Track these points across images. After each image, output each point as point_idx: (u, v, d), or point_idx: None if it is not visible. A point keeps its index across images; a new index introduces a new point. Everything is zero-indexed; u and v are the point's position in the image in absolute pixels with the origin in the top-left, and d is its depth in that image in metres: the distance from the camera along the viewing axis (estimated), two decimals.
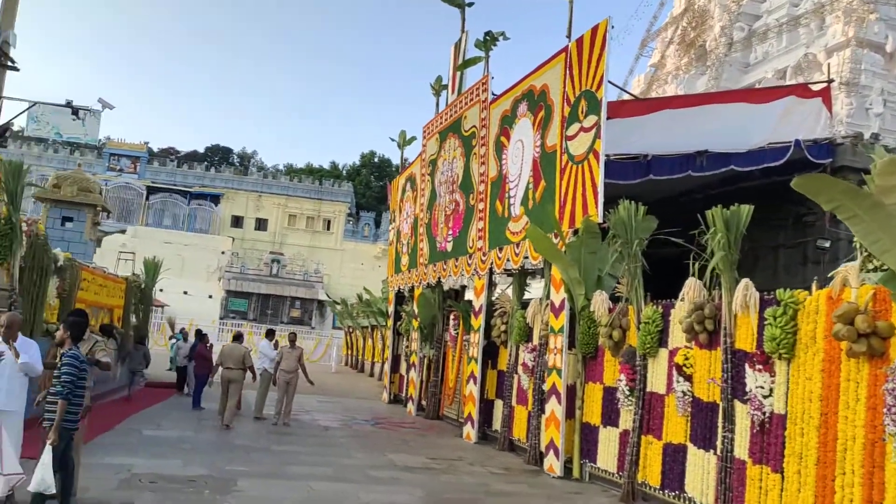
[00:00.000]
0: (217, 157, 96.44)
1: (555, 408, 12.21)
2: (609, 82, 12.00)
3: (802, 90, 15.20)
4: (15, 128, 78.99)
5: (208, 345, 18.27)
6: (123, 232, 65.27)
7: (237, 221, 72.08)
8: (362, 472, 10.81)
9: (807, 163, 13.85)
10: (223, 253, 67.17)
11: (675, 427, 9.58)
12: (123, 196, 69.17)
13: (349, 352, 42.17)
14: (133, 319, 20.61)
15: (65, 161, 69.96)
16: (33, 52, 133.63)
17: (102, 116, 74.12)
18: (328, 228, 73.12)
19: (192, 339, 20.30)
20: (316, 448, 12.76)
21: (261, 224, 72.53)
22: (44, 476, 6.13)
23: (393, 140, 24.54)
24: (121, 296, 18.91)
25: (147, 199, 69.57)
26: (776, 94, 15.04)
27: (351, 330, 41.74)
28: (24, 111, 18.41)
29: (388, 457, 12.48)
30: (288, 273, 67.49)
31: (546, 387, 12.60)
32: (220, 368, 15.21)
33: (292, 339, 16.05)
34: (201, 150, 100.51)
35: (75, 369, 6.58)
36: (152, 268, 22.68)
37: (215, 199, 71.56)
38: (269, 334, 17.00)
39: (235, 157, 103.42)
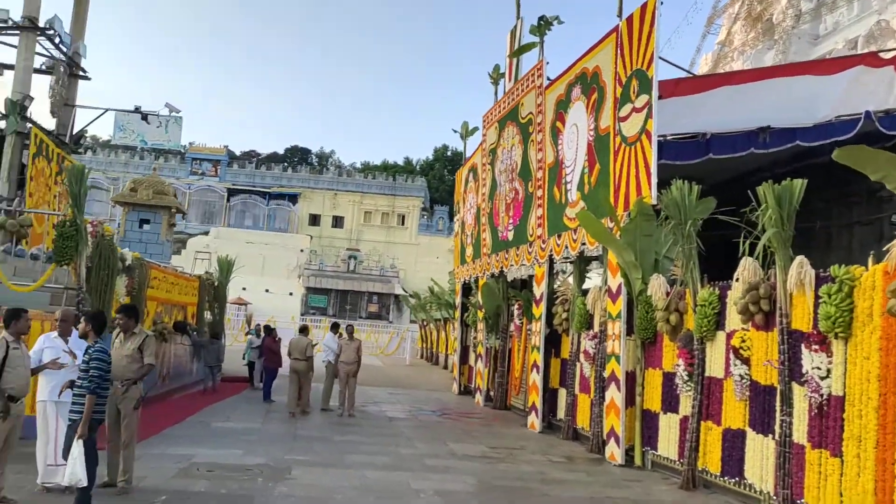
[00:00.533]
0: (296, 157, 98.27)
1: (614, 395, 12.01)
2: (661, 59, 11.68)
3: (872, 59, 14.43)
4: (104, 137, 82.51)
5: (277, 339, 18.67)
6: (206, 233, 67.41)
7: (314, 220, 73.48)
8: (419, 461, 10.88)
9: (879, 135, 13.16)
10: (302, 251, 68.62)
11: (734, 412, 9.29)
12: (206, 199, 71.43)
13: (424, 345, 42.46)
14: (208, 316, 21.27)
15: (150, 167, 72.61)
16: (112, 62, 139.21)
17: (184, 122, 76.77)
18: (403, 223, 73.79)
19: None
20: (377, 438, 12.89)
21: (337, 221, 73.75)
22: (74, 471, 6.33)
23: (456, 131, 24.59)
24: (194, 293, 19.53)
25: (228, 200, 71.64)
26: (844, 64, 14.31)
27: (425, 323, 42.03)
28: (95, 119, 19.29)
29: (449, 446, 12.52)
30: (365, 269, 68.47)
31: (606, 374, 12.40)
32: (290, 360, 15.75)
33: (350, 331, 16.28)
34: (281, 151, 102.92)
35: (103, 363, 6.72)
36: (226, 266, 23.33)
37: (293, 198, 73.14)
38: (334, 328, 17.26)
39: (314, 156, 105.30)
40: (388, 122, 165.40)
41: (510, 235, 18.02)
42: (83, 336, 7.05)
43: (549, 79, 15.91)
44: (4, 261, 12.39)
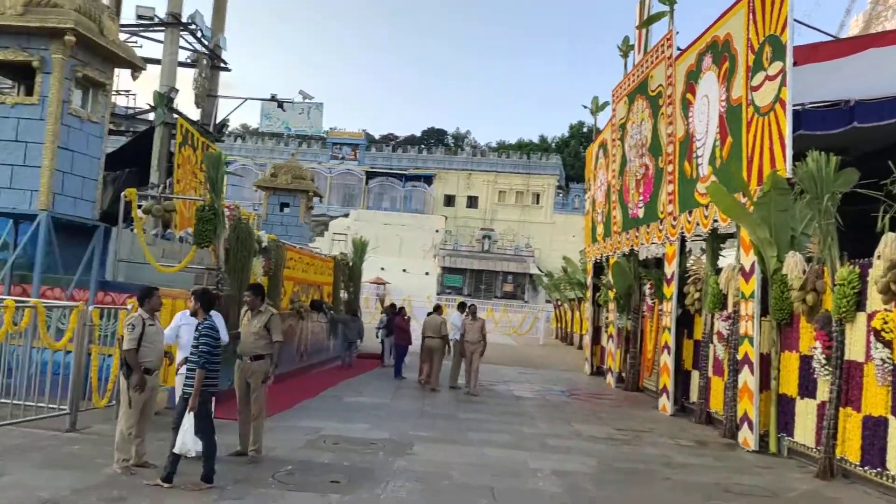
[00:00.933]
0: (432, 139, 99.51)
1: (747, 378, 11.50)
2: (797, 22, 10.99)
3: None
4: (253, 125, 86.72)
5: (406, 318, 19.10)
6: (346, 216, 69.70)
7: (449, 200, 74.37)
8: (541, 440, 10.87)
9: None
10: (437, 231, 69.67)
11: (875, 398, 8.68)
12: (346, 182, 73.81)
13: (558, 324, 42.20)
14: (344, 295, 22.04)
15: (293, 152, 75.83)
16: (252, 53, 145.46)
17: (325, 109, 79.44)
18: (538, 202, 73.38)
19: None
20: (502, 416, 12.98)
21: (472, 201, 74.31)
22: (185, 440, 6.73)
23: (586, 107, 24.12)
24: (329, 273, 20.27)
25: (367, 183, 73.68)
26: None
27: (559, 303, 41.75)
28: (236, 108, 20.59)
29: (574, 427, 12.43)
30: (499, 248, 68.74)
31: (739, 356, 11.89)
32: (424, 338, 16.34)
33: (473, 311, 16.38)
34: (418, 133, 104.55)
35: (212, 339, 7.04)
36: (360, 246, 24.10)
37: (428, 179, 74.30)
38: (461, 307, 17.43)
39: (450, 138, 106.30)
40: (522, 101, 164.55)
41: (640, 213, 17.55)
42: (193, 314, 7.41)
43: (679, 49, 15.30)
44: (154, 243, 13.36)
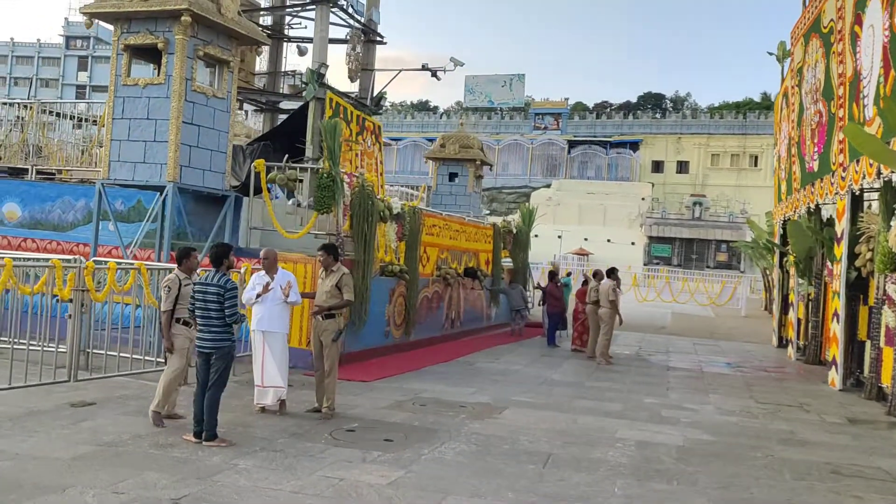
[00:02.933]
0: (649, 104, 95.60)
1: None
2: None
3: None
4: (459, 100, 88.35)
5: (559, 283, 18.63)
6: (548, 186, 69.30)
7: (657, 166, 71.50)
8: (655, 411, 10.16)
9: None
10: (643, 199, 67.26)
11: None
12: (548, 152, 73.36)
13: (767, 294, 39.18)
14: (509, 263, 21.94)
15: (497, 126, 76.66)
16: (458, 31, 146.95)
17: (527, 81, 79.31)
18: (756, 164, 68.47)
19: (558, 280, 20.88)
20: (632, 387, 12.29)
21: (682, 167, 70.92)
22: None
23: (771, 54, 22.00)
24: (488, 241, 20.24)
25: (569, 152, 72.72)
26: None
27: (767, 271, 38.74)
28: (391, 80, 20.68)
29: (709, 399, 11.52)
30: (712, 215, 65.05)
31: None
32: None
33: (596, 274, 15.65)
34: (634, 99, 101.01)
35: (235, 295, 7.13)
36: (527, 214, 23.84)
37: (634, 146, 71.87)
38: (610, 273, 16.69)
39: (668, 101, 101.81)
40: (746, 56, 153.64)
41: (815, 166, 15.76)
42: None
43: None
44: (294, 212, 14.01)
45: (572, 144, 72.80)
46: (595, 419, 9.28)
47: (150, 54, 11.65)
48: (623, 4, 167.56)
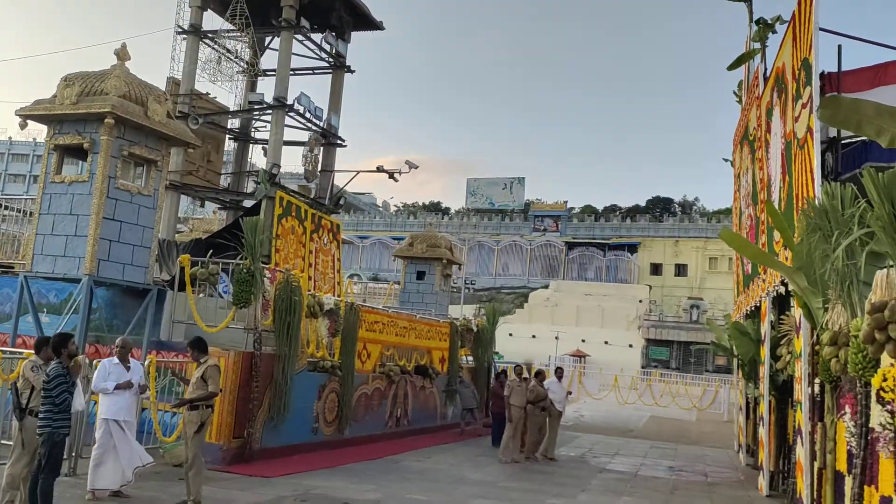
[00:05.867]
0: (658, 208, 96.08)
1: (799, 452, 9.87)
2: (837, 34, 9.66)
3: None
4: (462, 204, 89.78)
5: (502, 383, 18.53)
6: (546, 287, 69.47)
7: (655, 269, 71.71)
8: None
9: None
10: (640, 301, 67.16)
11: (886, 473, 7.07)
12: (546, 253, 73.94)
13: None
14: (467, 361, 21.90)
15: (497, 227, 77.62)
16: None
17: (532, 184, 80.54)
18: None
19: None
20: (547, 487, 12.11)
21: (680, 270, 71.07)
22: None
23: (727, 160, 22.47)
24: (443, 338, 20.29)
25: (567, 254, 73.25)
26: None
27: None
28: (349, 181, 21.32)
29: (619, 500, 11.33)
30: (711, 318, 64.61)
31: (795, 426, 10.27)
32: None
33: (538, 374, 15.78)
34: (642, 203, 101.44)
35: (63, 383, 7.17)
36: (492, 313, 23.90)
37: (632, 248, 72.32)
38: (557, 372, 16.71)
39: (676, 206, 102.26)
40: None
41: (750, 268, 15.91)
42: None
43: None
44: (226, 307, 14.22)
45: (571, 246, 73.45)
46: None
47: (82, 153, 12.17)
48: (626, 110, 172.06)
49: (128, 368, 8.31)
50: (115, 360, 8.46)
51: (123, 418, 8.28)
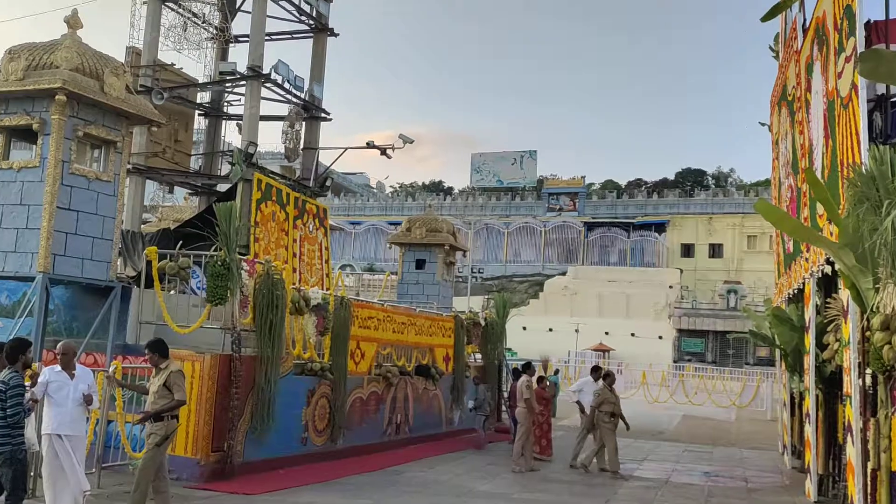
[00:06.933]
0: (689, 182, 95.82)
1: (850, 451, 9.88)
2: None
3: None
4: (467, 183, 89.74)
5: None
6: (564, 273, 69.51)
7: (687, 250, 71.71)
8: None
9: None
10: (671, 287, 67.18)
11: None
12: (563, 236, 73.98)
13: None
14: (475, 359, 21.93)
15: (506, 207, 77.62)
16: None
17: (545, 159, 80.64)
18: None
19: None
20: (566, 498, 12.16)
21: (714, 250, 71.03)
22: None
23: (763, 124, 22.40)
24: (447, 334, 20.28)
25: (586, 236, 73.25)
26: None
27: None
28: (336, 158, 21.26)
29: None
30: (749, 305, 64.63)
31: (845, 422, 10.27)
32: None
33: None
34: (671, 177, 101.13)
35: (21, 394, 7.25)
36: (502, 304, 23.88)
37: (660, 227, 72.29)
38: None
39: (710, 178, 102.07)
40: None
41: (791, 246, 15.88)
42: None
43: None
44: (199, 304, 14.25)
45: (590, 227, 73.46)
46: None
47: (32, 135, 12.15)
48: (650, 68, 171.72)
49: (72, 376, 8.24)
50: (58, 367, 8.38)
51: (65, 433, 8.19)
